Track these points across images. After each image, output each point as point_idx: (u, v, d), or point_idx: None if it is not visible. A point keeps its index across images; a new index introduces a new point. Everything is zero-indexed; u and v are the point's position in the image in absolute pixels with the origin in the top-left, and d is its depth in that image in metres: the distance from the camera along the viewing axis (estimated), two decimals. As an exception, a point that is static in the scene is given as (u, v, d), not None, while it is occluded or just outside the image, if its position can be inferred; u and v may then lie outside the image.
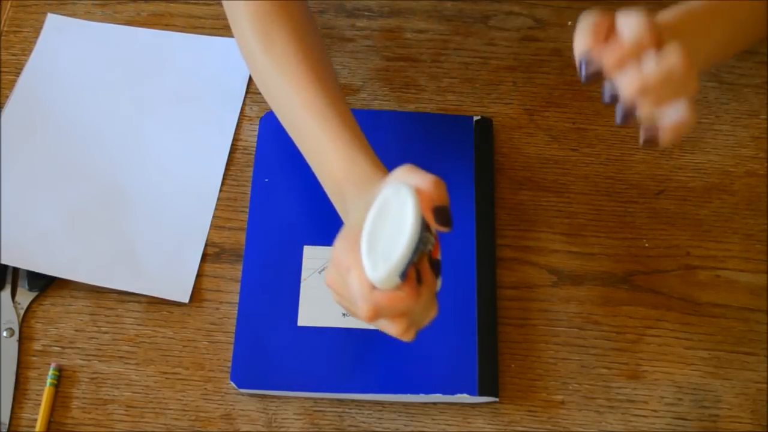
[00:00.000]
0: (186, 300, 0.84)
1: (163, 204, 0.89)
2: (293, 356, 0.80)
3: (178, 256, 0.86)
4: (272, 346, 0.81)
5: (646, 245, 0.88)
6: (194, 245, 0.87)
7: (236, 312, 0.83)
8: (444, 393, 0.79)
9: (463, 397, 0.79)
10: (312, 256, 0.85)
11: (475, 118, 0.92)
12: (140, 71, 0.96)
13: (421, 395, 0.79)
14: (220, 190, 0.90)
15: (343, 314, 0.82)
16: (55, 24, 0.98)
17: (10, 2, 1.00)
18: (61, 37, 0.97)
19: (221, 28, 0.99)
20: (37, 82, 0.95)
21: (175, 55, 0.97)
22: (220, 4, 0.94)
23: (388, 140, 0.89)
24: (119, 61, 0.97)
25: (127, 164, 0.91)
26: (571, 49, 0.97)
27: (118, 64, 0.96)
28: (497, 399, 0.80)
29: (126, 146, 0.92)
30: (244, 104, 0.94)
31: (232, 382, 0.80)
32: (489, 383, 0.80)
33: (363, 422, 0.80)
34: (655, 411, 0.81)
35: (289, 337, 0.81)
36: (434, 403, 0.81)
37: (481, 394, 0.79)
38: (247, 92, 0.94)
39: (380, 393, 0.80)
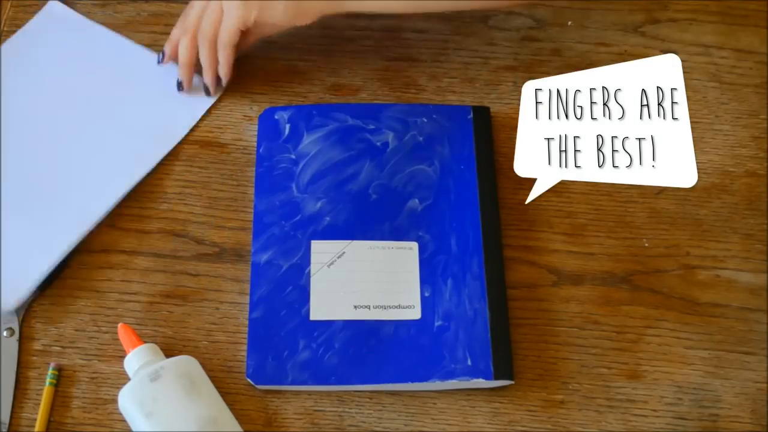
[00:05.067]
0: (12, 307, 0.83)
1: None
2: (309, 351, 0.80)
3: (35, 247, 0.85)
4: (286, 342, 0.81)
5: (646, 245, 0.88)
6: (58, 242, 0.85)
7: (239, 312, 0.83)
8: (460, 378, 0.79)
9: (479, 382, 0.79)
10: (320, 250, 0.85)
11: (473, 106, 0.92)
12: (107, 80, 0.95)
13: (437, 382, 0.79)
14: (221, 190, 0.90)
15: (354, 306, 0.82)
16: (53, 10, 0.98)
17: (10, 2, 1.00)
18: (51, 25, 0.97)
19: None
20: (10, 58, 0.94)
21: (150, 74, 0.95)
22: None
23: (389, 132, 0.90)
24: (94, 64, 0.96)
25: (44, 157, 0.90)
26: (571, 49, 0.98)
27: (91, 67, 0.95)
28: (512, 381, 0.80)
29: (50, 142, 0.91)
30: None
31: (248, 379, 0.80)
32: (504, 367, 0.80)
33: (363, 422, 0.80)
34: (655, 411, 0.81)
35: (302, 332, 0.81)
36: (434, 403, 0.81)
37: (497, 377, 0.79)
38: (247, 92, 0.94)
39: (399, 382, 0.80)
